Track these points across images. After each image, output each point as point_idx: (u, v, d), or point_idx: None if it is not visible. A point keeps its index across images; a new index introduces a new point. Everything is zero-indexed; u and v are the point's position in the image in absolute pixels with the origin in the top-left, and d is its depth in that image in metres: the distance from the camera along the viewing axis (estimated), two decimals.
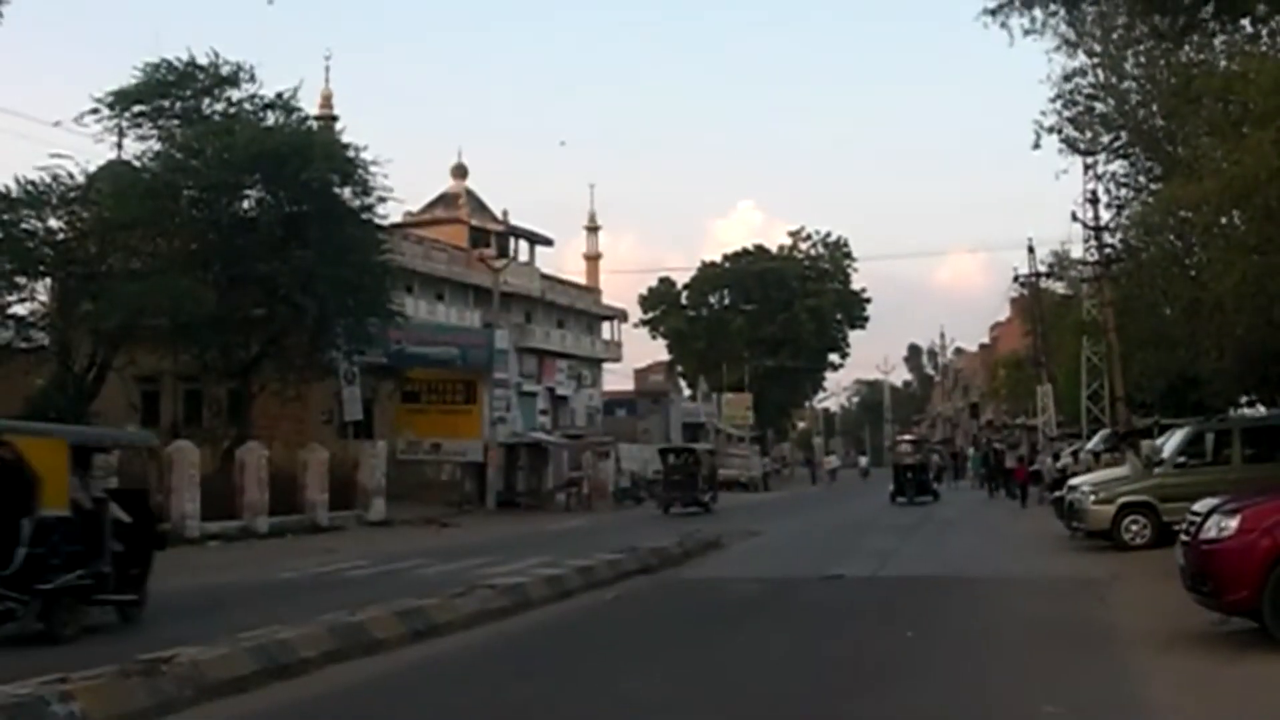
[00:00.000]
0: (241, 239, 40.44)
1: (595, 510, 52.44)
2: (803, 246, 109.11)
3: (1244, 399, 36.48)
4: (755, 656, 13.87)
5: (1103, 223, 41.26)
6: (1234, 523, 12.44)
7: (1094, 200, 41.37)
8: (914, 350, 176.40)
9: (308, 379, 43.74)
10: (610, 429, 75.69)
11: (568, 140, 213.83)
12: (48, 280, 40.42)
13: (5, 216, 37.90)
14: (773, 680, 12.26)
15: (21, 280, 38.89)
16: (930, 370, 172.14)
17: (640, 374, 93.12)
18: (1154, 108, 29.81)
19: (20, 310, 40.19)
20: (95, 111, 40.87)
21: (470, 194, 72.15)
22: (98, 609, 16.54)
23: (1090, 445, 40.96)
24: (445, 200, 71.70)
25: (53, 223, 39.19)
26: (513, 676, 13.05)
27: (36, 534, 15.20)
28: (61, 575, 15.43)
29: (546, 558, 25.05)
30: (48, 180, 38.29)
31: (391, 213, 48.36)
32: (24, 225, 38.11)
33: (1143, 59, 29.55)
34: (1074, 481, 29.04)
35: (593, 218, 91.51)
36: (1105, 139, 31.67)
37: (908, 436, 67.00)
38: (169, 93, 41.39)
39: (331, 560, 28.35)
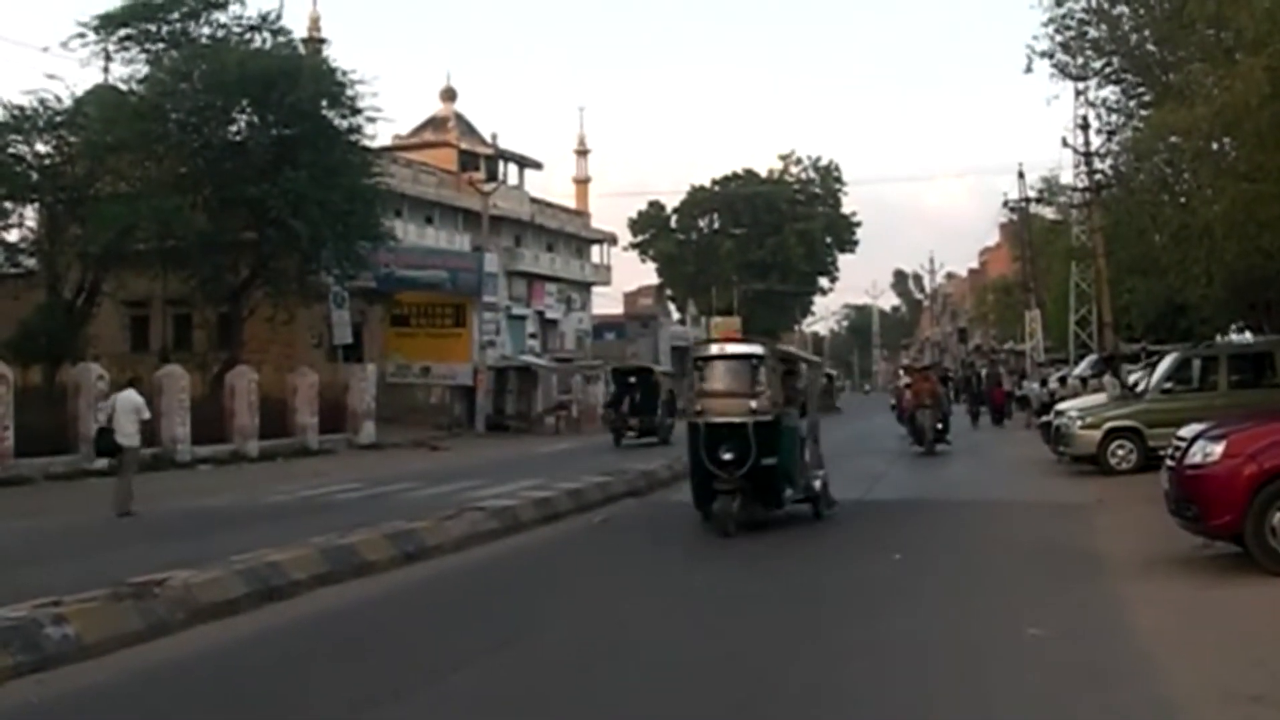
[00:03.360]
0: (230, 162, 40.24)
1: (584, 433, 52.58)
2: (793, 170, 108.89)
3: (1232, 326, 36.52)
4: (742, 580, 13.97)
5: (1093, 148, 41.15)
6: (1219, 448, 12.50)
7: (1084, 126, 41.29)
8: (900, 275, 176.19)
9: (298, 303, 43.66)
10: (599, 352, 75.65)
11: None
12: (36, 205, 40.26)
13: None
14: (759, 604, 12.34)
15: (9, 205, 38.72)
16: (918, 295, 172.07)
17: (629, 297, 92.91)
18: (1146, 33, 29.54)
19: (9, 236, 40.13)
20: (81, 36, 40.56)
21: (459, 117, 71.91)
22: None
23: (1078, 370, 41.09)
24: (434, 123, 71.48)
25: (40, 147, 38.95)
26: (502, 599, 13.16)
27: (661, 406, 44.18)
28: (668, 419, 43.59)
29: (536, 480, 25.15)
30: (35, 105, 38.04)
31: (380, 136, 48.18)
32: (11, 150, 37.88)
33: None
34: (1061, 406, 29.17)
35: (582, 141, 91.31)
36: (1097, 64, 31.35)
37: (727, 350, 19.74)
38: (155, 16, 40.96)
39: (322, 483, 28.46)
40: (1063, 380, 41.29)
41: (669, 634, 11.06)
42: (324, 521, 18.03)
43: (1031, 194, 62.49)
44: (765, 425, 17.81)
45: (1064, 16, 30.40)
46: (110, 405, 22.89)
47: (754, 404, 17.94)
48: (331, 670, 9.91)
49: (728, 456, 17.62)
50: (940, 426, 33.38)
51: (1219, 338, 33.98)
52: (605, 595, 13.13)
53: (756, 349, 19.19)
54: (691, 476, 18.74)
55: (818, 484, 19.56)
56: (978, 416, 49.89)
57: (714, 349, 19.86)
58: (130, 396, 22.65)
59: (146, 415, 22.94)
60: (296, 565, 13.23)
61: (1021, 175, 61.50)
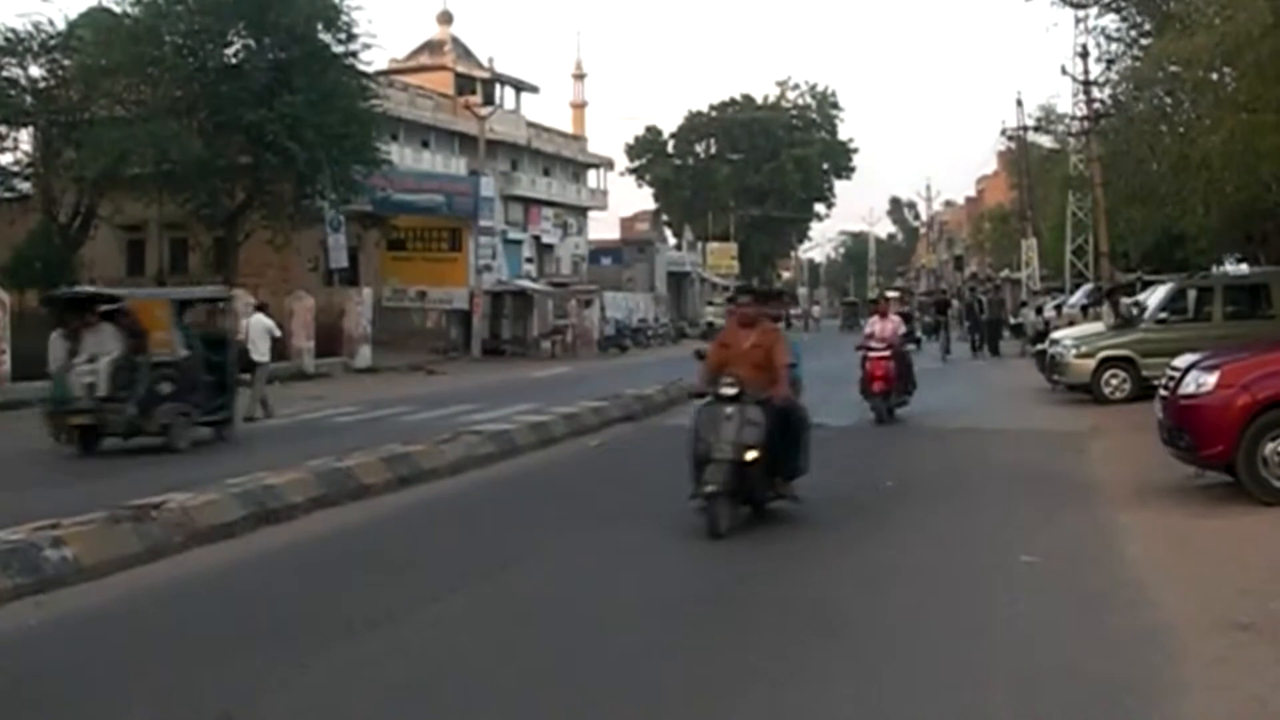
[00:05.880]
0: (227, 86, 40.03)
1: (580, 358, 52.67)
2: (790, 96, 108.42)
3: (1229, 257, 36.49)
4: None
5: (1092, 77, 40.95)
6: (1212, 378, 12.54)
7: (1084, 54, 41.03)
8: (896, 203, 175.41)
9: (294, 227, 43.56)
10: (595, 277, 75.62)
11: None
12: (30, 129, 40.08)
13: None
14: (754, 528, 12.39)
15: (3, 129, 38.57)
16: (914, 223, 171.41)
17: (626, 222, 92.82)
18: None
19: (3, 160, 40.00)
20: None
21: (456, 41, 71.43)
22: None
23: (1073, 300, 41.08)
24: (431, 47, 71.00)
25: (34, 71, 38.80)
26: (497, 523, 13.22)
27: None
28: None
29: (532, 405, 25.21)
30: (28, 28, 37.85)
31: (376, 59, 47.92)
32: (5, 74, 37.70)
33: None
34: (1056, 335, 29.18)
35: (579, 65, 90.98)
36: None
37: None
38: None
39: (318, 407, 28.53)
40: (1058, 309, 41.29)
41: (663, 559, 11.13)
42: (320, 445, 18.09)
43: (1030, 122, 62.32)
44: None
45: None
46: (245, 327, 25.83)
47: None
48: (327, 592, 9.98)
49: None
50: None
51: (1215, 268, 33.95)
52: (601, 519, 13.15)
53: None
54: None
55: None
56: (977, 345, 49.67)
57: None
58: (261, 319, 25.96)
59: (278, 334, 26.28)
60: (293, 488, 13.28)
61: (1020, 103, 61.50)
